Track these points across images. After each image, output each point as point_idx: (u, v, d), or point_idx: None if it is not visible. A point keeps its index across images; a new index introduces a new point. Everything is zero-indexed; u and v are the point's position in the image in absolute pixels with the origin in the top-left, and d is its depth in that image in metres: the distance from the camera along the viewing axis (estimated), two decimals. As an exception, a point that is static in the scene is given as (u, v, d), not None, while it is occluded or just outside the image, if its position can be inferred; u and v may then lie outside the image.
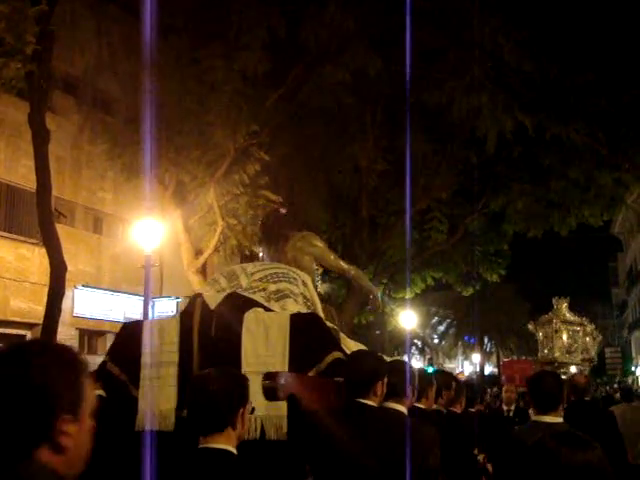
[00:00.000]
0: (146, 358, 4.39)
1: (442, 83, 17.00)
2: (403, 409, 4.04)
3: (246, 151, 16.07)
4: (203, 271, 18.10)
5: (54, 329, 13.24)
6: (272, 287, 4.99)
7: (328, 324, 4.87)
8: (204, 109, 15.00)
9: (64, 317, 15.61)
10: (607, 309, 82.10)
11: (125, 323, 5.24)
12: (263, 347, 4.24)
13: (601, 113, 17.52)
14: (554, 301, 25.02)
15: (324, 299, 6.28)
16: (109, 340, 20.81)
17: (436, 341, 55.18)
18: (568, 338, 23.79)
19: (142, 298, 15.34)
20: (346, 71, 16.24)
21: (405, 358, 5.99)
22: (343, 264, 6.76)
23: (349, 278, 7.23)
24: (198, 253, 17.18)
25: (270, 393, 3.85)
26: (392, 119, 19.33)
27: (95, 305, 19.99)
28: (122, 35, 15.51)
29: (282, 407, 3.85)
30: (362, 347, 5.16)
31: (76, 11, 17.53)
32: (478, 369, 50.59)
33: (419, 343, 50.38)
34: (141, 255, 15.13)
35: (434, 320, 55.14)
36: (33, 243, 17.94)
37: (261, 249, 6.45)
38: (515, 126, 17.13)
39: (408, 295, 27.24)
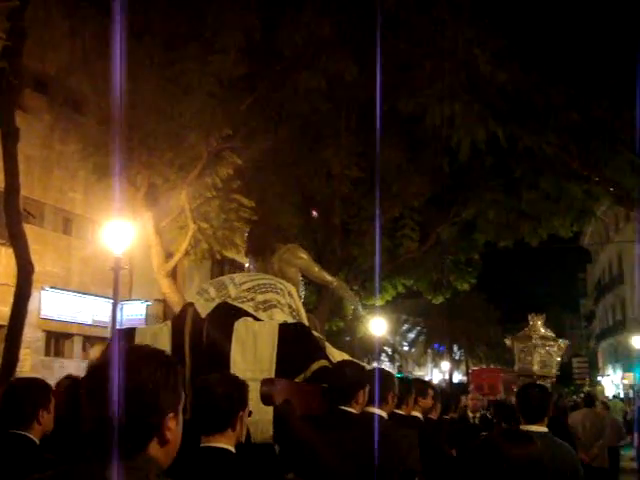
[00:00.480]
0: None
1: (417, 91, 17.03)
2: (384, 414, 4.30)
3: (219, 155, 15.98)
4: (173, 274, 17.99)
5: (20, 331, 13.06)
6: (260, 297, 5.17)
7: (314, 333, 5.06)
8: (178, 111, 14.89)
9: (30, 319, 15.40)
10: (575, 319, 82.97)
11: (118, 329, 5.39)
12: (252, 355, 4.43)
13: (572, 126, 17.65)
14: (530, 317, 25.62)
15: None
16: (77, 343, 20.60)
17: (406, 348, 55.35)
18: (545, 353, 25.15)
19: (111, 301, 15.17)
20: (321, 77, 16.22)
21: (375, 365, 6.12)
22: (326, 275, 7.04)
23: (331, 288, 7.49)
24: (169, 256, 17.06)
25: (267, 399, 3.93)
26: (366, 126, 19.33)
27: (63, 307, 19.75)
28: (95, 34, 15.34)
29: (269, 411, 3.94)
30: (346, 356, 5.34)
31: (49, 8, 17.38)
32: (447, 377, 50.78)
33: (389, 350, 50.44)
34: (111, 257, 14.97)
35: (404, 327, 55.35)
36: (0, 243, 17.69)
37: (248, 260, 6.49)
38: (488, 136, 17.21)
39: (379, 302, 27.26)
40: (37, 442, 3.77)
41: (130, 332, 5.03)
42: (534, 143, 17.54)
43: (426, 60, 16.88)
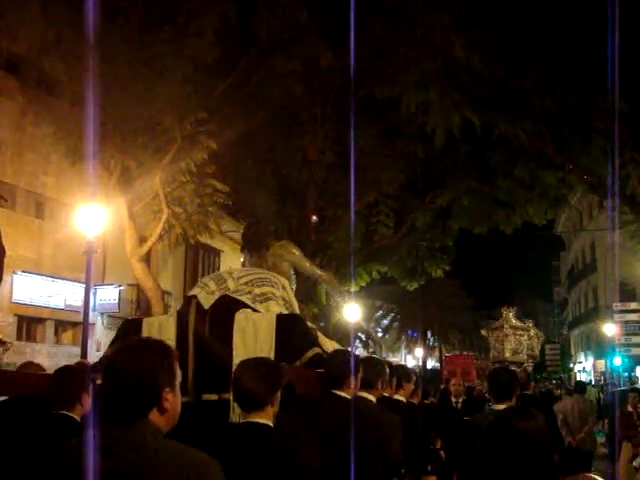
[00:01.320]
0: None
1: (393, 77, 17.02)
2: (373, 398, 4.89)
3: (194, 139, 15.87)
4: (147, 259, 17.90)
5: (-9, 315, 12.94)
6: (257, 290, 5.61)
7: (308, 323, 5.57)
8: (152, 95, 14.77)
9: (2, 303, 15.29)
10: (548, 307, 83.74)
11: (126, 319, 6.30)
12: (252, 343, 4.84)
13: (548, 113, 17.75)
14: (503, 310, 30.47)
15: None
16: (49, 327, 20.44)
17: (380, 334, 55.53)
18: (515, 341, 29.52)
19: (84, 285, 15.05)
20: (297, 61, 16.17)
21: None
22: (316, 269, 7.66)
23: (320, 282, 8.25)
24: (142, 241, 16.96)
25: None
26: (342, 112, 19.31)
27: (35, 291, 19.56)
28: (69, 15, 15.12)
29: None
30: (336, 345, 5.86)
31: (21, -11, 17.14)
32: (421, 363, 51.07)
33: (363, 336, 50.61)
34: (84, 241, 14.83)
35: (378, 314, 55.49)
36: (-29, 226, 17.49)
37: (243, 255, 7.05)
38: (463, 123, 17.26)
39: (353, 288, 27.31)
40: (79, 421, 4.14)
41: (137, 322, 5.46)
42: (509, 130, 17.63)
43: (402, 46, 16.87)
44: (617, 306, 30.50)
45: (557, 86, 17.57)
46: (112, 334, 20.93)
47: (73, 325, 20.77)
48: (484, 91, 17.45)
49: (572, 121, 18.08)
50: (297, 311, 5.90)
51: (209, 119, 15.79)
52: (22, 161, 19.27)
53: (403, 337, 55.24)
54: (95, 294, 20.33)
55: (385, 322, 56.17)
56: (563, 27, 18.20)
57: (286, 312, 5.53)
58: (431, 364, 54.94)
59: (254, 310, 5.28)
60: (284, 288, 5.96)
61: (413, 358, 54.45)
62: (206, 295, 5.37)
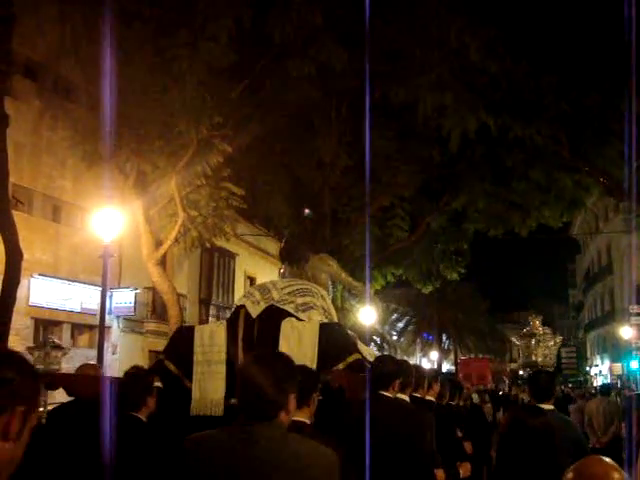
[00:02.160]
0: (198, 357, 5.65)
1: (408, 80, 17.01)
2: (407, 398, 5.32)
3: (209, 142, 15.92)
4: (163, 262, 17.97)
5: (9, 318, 13.02)
6: (299, 300, 6.11)
7: (348, 331, 6.12)
8: (168, 99, 14.83)
9: (19, 306, 15.34)
10: (564, 310, 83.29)
11: (179, 327, 7.22)
12: (297, 348, 5.29)
13: (563, 116, 17.69)
14: (530, 318, 34.36)
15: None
16: (65, 330, 20.52)
17: (395, 337, 55.40)
18: (544, 347, 32.83)
19: (100, 288, 15.11)
20: (312, 65, 16.17)
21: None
22: (352, 280, 8.23)
23: (354, 292, 9.04)
24: (158, 244, 17.02)
25: (328, 385, 4.92)
26: (357, 115, 19.32)
27: (52, 295, 19.65)
28: (85, 20, 15.22)
29: None
30: (371, 351, 6.48)
31: (39, -6, 17.23)
32: (436, 366, 50.89)
33: (378, 339, 50.53)
34: (100, 245, 14.89)
35: (393, 317, 55.35)
36: (-11, 230, 17.59)
37: (283, 267, 7.53)
38: (479, 126, 17.22)
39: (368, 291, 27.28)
40: (145, 421, 4.66)
41: (190, 329, 6.06)
42: (525, 133, 17.57)
43: (417, 49, 16.85)
44: (634, 309, 30.33)
45: (573, 88, 17.51)
46: (128, 337, 21.03)
47: (89, 328, 20.84)
48: (499, 94, 17.41)
49: (588, 123, 18.01)
50: (335, 319, 6.35)
51: (224, 123, 15.83)
52: (39, 165, 19.37)
53: (418, 340, 55.06)
54: (111, 297, 20.39)
55: (400, 325, 56.01)
56: (579, 29, 18.16)
57: (326, 320, 6.02)
58: (446, 367, 54.73)
59: (297, 319, 5.78)
60: (323, 298, 6.47)
61: (428, 361, 54.24)
62: (252, 305, 5.91)
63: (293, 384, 2.90)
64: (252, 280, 31.81)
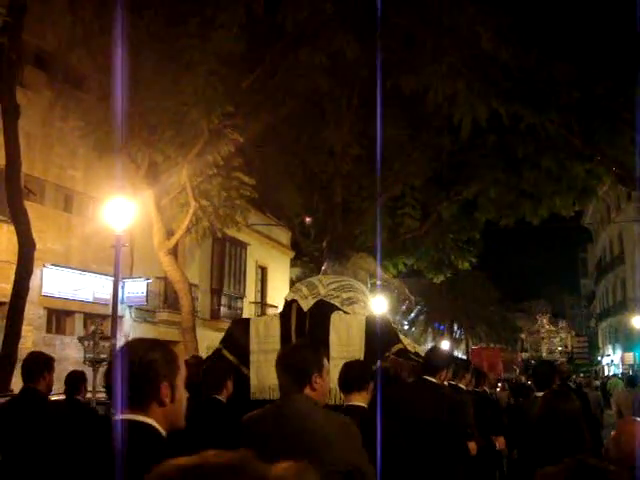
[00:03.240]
0: (254, 346, 6.36)
1: (419, 69, 16.94)
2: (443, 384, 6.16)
3: (220, 132, 15.91)
4: (174, 252, 17.99)
5: (22, 308, 13.10)
6: (344, 295, 6.67)
7: (391, 324, 6.74)
8: (179, 88, 14.82)
9: (32, 296, 15.42)
10: (575, 299, 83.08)
11: (235, 320, 8.03)
12: (345, 340, 5.94)
13: (575, 104, 17.59)
14: (538, 317, 42.02)
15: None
16: (78, 320, 20.62)
17: (406, 327, 55.38)
18: (549, 343, 41.00)
19: (112, 278, 15.16)
20: (323, 54, 16.12)
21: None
22: (390, 278, 8.44)
23: (393, 288, 9.91)
24: (169, 234, 17.06)
25: (385, 371, 5.50)
26: (368, 104, 19.26)
27: (64, 284, 19.74)
28: (96, 10, 15.22)
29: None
30: (411, 342, 7.00)
31: (49, -16, 17.24)
32: (447, 356, 50.87)
33: (389, 329, 50.49)
34: (111, 235, 14.94)
35: (404, 306, 55.36)
36: (1, 220, 17.64)
37: (325, 264, 8.26)
38: (490, 114, 17.15)
39: (379, 281, 27.26)
40: (224, 402, 5.44)
41: (246, 322, 6.82)
42: (536, 121, 17.48)
43: (428, 37, 16.77)
44: (646, 298, 30.22)
45: (585, 76, 17.41)
46: (140, 327, 21.10)
47: (102, 318, 20.92)
48: (511, 82, 17.32)
49: (600, 112, 17.91)
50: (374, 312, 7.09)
51: (235, 112, 15.82)
52: (50, 155, 19.43)
53: (430, 330, 55.05)
54: (123, 287, 20.46)
55: (411, 315, 56.00)
56: (591, 16, 18.01)
57: (368, 313, 6.69)
58: (458, 357, 54.71)
59: (344, 312, 6.41)
60: (364, 293, 7.11)
61: (439, 351, 54.25)
62: (302, 299, 6.52)
63: (316, 367, 3.55)
64: (263, 270, 31.85)
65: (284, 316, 6.39)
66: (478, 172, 22.13)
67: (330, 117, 19.56)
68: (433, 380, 5.61)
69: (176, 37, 14.78)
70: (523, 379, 29.30)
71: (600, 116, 18.03)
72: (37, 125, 18.65)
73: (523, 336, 39.36)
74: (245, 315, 28.77)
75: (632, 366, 43.22)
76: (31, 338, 18.26)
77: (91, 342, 13.83)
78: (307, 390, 3.50)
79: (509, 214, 22.72)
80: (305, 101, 18.04)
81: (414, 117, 20.26)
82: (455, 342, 54.95)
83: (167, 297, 23.35)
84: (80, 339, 14.98)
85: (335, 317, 6.17)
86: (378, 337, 5.93)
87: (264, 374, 6.00)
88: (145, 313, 22.90)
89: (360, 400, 4.45)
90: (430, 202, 24.14)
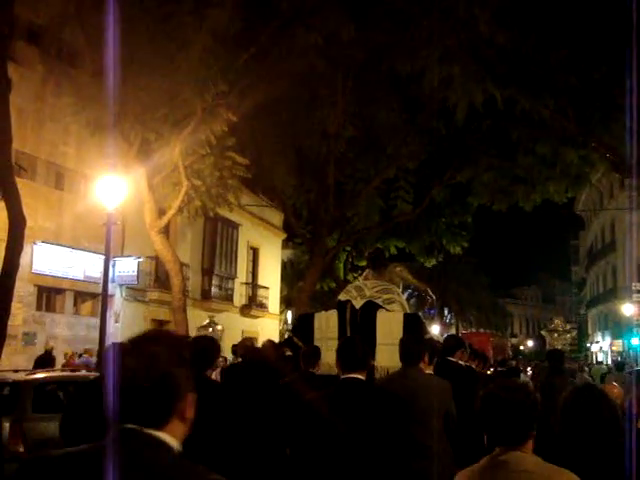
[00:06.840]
0: (317, 334, 8.06)
1: (415, 51, 16.82)
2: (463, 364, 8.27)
3: (213, 111, 15.80)
4: (166, 231, 17.93)
5: (12, 285, 13.00)
6: (385, 296, 8.17)
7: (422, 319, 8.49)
8: (173, 66, 14.68)
9: (22, 273, 15.35)
10: (566, 286, 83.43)
11: (302, 314, 10.41)
12: (389, 333, 7.43)
13: (571, 90, 17.52)
14: (554, 318, 51.96)
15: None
16: (68, 298, 20.57)
17: (397, 311, 55.54)
18: (562, 339, 49.98)
19: (103, 256, 15.10)
20: (318, 34, 15.99)
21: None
22: (418, 283, 10.40)
23: (420, 290, 11.74)
24: (161, 213, 16.99)
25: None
26: (363, 85, 19.17)
27: (55, 262, 19.67)
28: (90, -15, 15.05)
29: (394, 360, 6.26)
30: (432, 332, 9.12)
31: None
32: (437, 340, 51.03)
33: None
34: (103, 212, 14.88)
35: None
36: (-8, 196, 17.55)
37: (367, 271, 9.57)
38: (485, 98, 17.08)
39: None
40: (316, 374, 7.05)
41: (311, 316, 8.53)
42: (532, 106, 17.42)
43: (425, 19, 16.64)
44: (636, 286, 30.34)
45: (581, 62, 17.33)
46: (131, 306, 21.15)
47: (92, 296, 20.89)
48: (506, 66, 17.24)
49: (595, 98, 17.85)
50: (408, 310, 8.35)
51: (229, 91, 15.70)
52: (42, 131, 19.30)
53: (420, 314, 55.25)
54: (114, 266, 20.41)
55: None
56: (587, 1, 17.90)
57: (404, 311, 8.11)
58: (447, 341, 54.94)
59: (386, 310, 7.92)
60: (399, 295, 8.54)
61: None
62: (354, 299, 8.09)
63: (423, 350, 5.71)
64: (255, 250, 31.81)
65: (340, 312, 7.99)
66: (472, 156, 22.10)
67: (324, 98, 19.44)
68: (454, 360, 7.69)
69: (170, 15, 14.62)
70: (513, 364, 29.40)
71: (595, 102, 17.98)
72: (29, 101, 18.51)
73: (543, 332, 49.53)
74: (236, 295, 28.85)
75: (621, 353, 43.45)
76: (21, 315, 18.22)
77: (207, 331, 14.41)
78: (422, 363, 5.64)
79: (502, 199, 22.72)
80: (300, 81, 17.91)
81: (409, 100, 20.19)
82: (445, 327, 55.12)
83: (158, 276, 23.31)
84: (198, 329, 16.01)
85: (380, 314, 7.78)
86: (412, 329, 7.39)
87: (325, 355, 7.31)
88: (136, 292, 22.86)
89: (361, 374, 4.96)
90: (423, 186, 24.11)
